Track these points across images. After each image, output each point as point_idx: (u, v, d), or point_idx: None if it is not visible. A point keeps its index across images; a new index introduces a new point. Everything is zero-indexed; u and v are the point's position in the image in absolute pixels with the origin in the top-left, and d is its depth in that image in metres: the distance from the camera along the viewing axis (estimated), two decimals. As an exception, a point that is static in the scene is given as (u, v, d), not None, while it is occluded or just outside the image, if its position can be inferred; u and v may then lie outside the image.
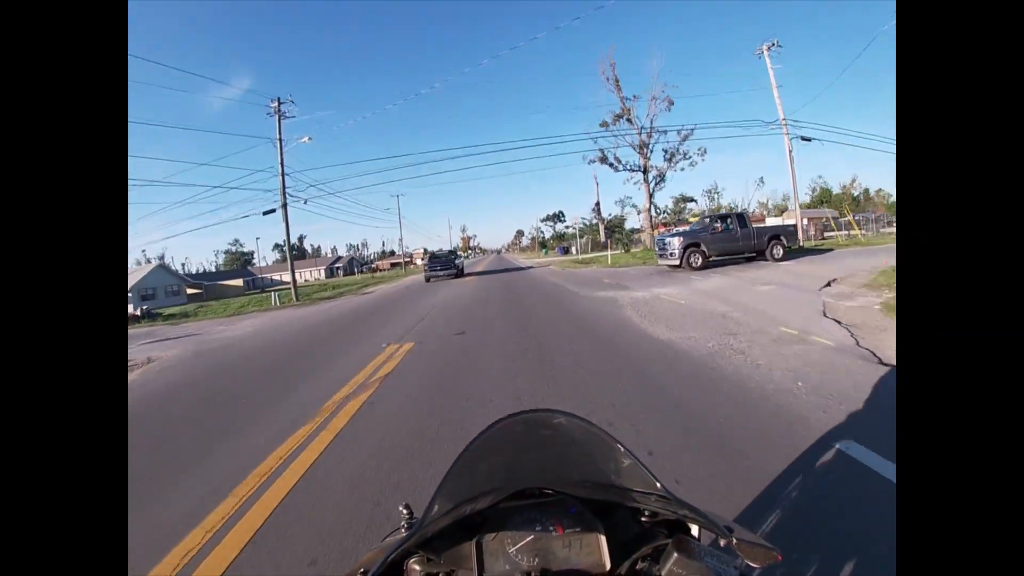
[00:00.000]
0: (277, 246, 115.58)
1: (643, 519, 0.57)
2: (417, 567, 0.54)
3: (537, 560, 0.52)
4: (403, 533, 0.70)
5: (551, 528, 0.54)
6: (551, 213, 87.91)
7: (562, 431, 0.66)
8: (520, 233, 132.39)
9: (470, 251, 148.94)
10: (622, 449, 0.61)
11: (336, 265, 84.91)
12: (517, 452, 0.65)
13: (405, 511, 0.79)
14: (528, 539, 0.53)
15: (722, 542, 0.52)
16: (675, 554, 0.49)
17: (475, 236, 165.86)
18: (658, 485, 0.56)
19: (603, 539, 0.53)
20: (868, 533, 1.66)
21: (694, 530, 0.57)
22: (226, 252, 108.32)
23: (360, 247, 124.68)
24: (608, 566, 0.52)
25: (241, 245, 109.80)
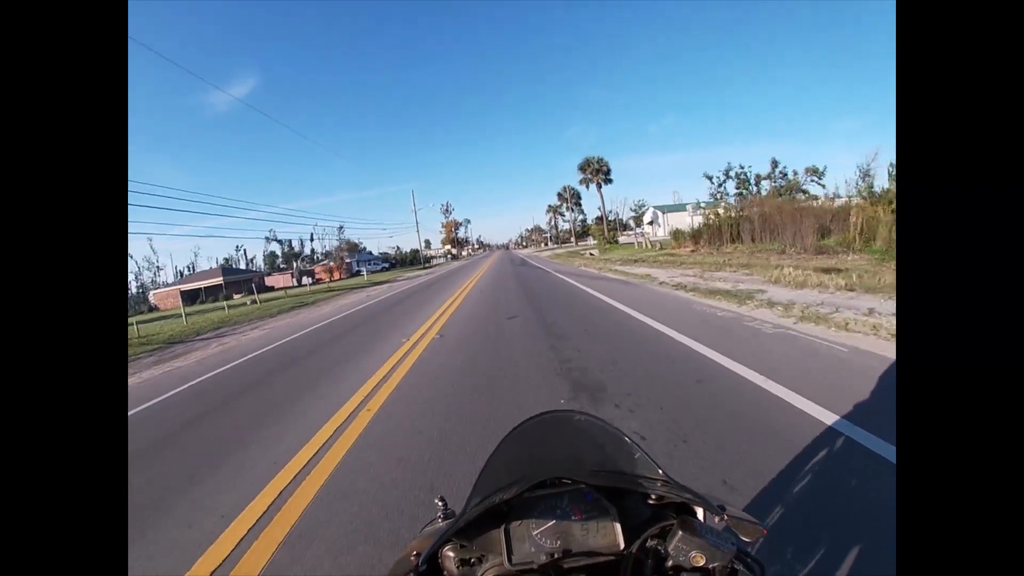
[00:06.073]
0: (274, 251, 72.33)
1: (651, 502, 0.62)
2: (451, 553, 0.60)
3: (559, 542, 0.58)
4: (440, 523, 0.77)
5: (570, 513, 0.59)
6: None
7: (580, 428, 0.73)
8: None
9: (459, 247, 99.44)
10: (631, 442, 0.67)
11: None
12: (541, 447, 0.71)
13: (440, 503, 0.86)
14: (550, 524, 0.59)
15: (715, 519, 0.58)
16: (680, 532, 0.55)
17: (467, 223, 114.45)
18: (660, 472, 0.62)
19: (617, 522, 0.59)
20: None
21: (699, 512, 0.62)
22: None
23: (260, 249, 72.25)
24: (622, 546, 0.57)
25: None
